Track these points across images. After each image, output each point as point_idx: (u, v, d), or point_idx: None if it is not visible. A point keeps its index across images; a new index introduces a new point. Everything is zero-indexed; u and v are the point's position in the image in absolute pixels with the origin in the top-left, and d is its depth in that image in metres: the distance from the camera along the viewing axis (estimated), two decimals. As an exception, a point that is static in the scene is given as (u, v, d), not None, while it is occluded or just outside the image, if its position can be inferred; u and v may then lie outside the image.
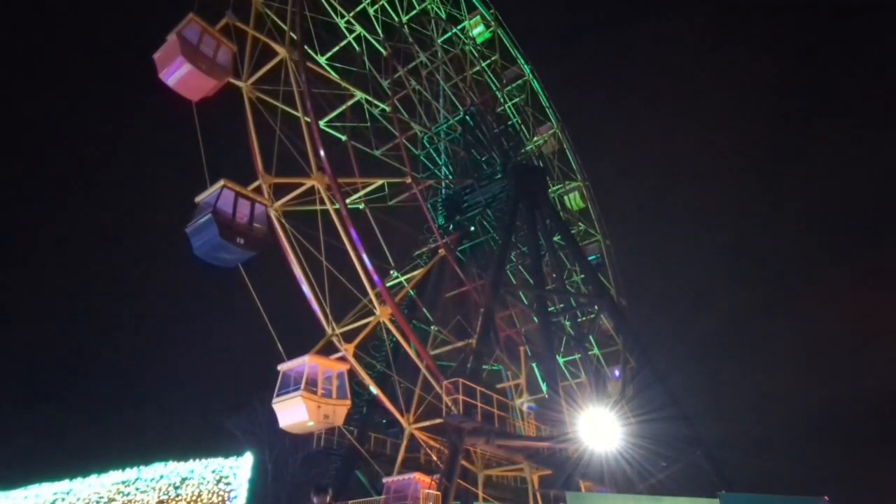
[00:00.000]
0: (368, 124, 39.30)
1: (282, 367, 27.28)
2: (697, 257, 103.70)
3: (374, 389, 30.39)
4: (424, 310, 38.44)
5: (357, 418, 36.60)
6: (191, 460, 27.10)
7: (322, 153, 29.93)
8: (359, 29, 42.38)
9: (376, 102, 39.57)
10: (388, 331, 29.57)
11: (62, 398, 77.67)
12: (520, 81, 51.60)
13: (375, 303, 29.12)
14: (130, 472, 28.21)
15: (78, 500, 29.03)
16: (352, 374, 28.97)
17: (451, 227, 43.68)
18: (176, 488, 26.57)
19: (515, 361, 35.59)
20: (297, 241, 29.16)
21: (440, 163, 46.91)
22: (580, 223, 51.04)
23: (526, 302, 40.52)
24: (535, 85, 52.38)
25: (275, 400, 26.78)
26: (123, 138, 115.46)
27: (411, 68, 45.13)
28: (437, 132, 46.30)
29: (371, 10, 43.08)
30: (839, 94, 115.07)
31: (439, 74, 47.27)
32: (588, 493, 29.22)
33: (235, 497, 25.30)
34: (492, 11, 49.99)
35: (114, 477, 28.56)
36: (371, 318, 29.07)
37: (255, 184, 29.22)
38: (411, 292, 36.51)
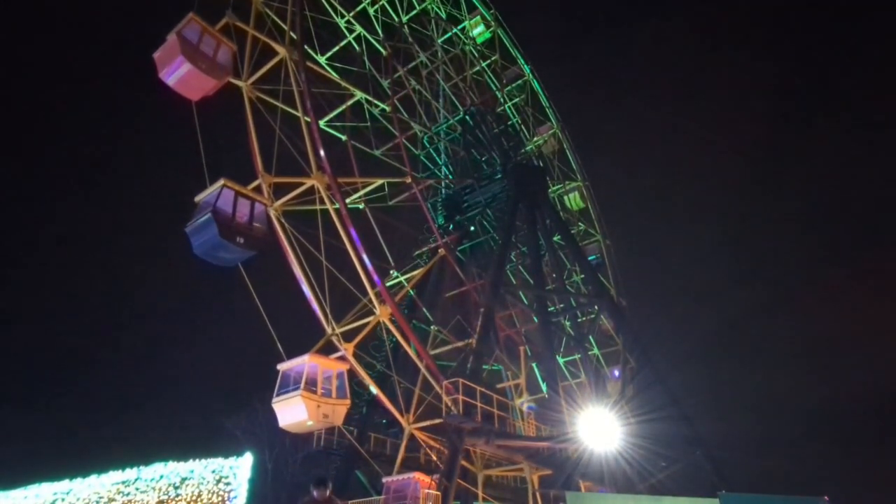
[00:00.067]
0: (368, 124, 39.34)
1: (281, 367, 27.32)
2: (697, 257, 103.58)
3: (373, 389, 30.40)
4: (424, 310, 38.41)
5: (357, 418, 36.61)
6: (191, 460, 26.97)
7: (322, 153, 29.96)
8: (359, 29, 42.38)
9: (376, 102, 39.55)
10: (388, 330, 29.58)
11: (62, 398, 77.62)
12: (520, 81, 51.58)
13: (375, 302, 29.11)
14: (130, 472, 28.09)
15: (78, 500, 28.92)
16: (352, 373, 28.99)
17: (451, 226, 43.64)
18: (176, 488, 26.48)
19: (515, 361, 35.54)
20: (296, 241, 29.20)
21: (440, 163, 46.89)
22: (580, 223, 51.00)
23: (526, 302, 40.50)
24: (535, 85, 52.37)
25: (275, 399, 26.83)
26: (123, 138, 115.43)
27: (411, 68, 45.14)
28: (437, 132, 46.27)
29: (371, 10, 43.09)
30: (839, 94, 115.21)
31: (439, 74, 47.26)
32: (588, 493, 29.12)
33: (235, 497, 25.20)
34: (492, 11, 50.00)
35: (114, 477, 28.44)
36: (371, 318, 29.07)
37: (255, 183, 29.25)
38: (411, 292, 36.52)
